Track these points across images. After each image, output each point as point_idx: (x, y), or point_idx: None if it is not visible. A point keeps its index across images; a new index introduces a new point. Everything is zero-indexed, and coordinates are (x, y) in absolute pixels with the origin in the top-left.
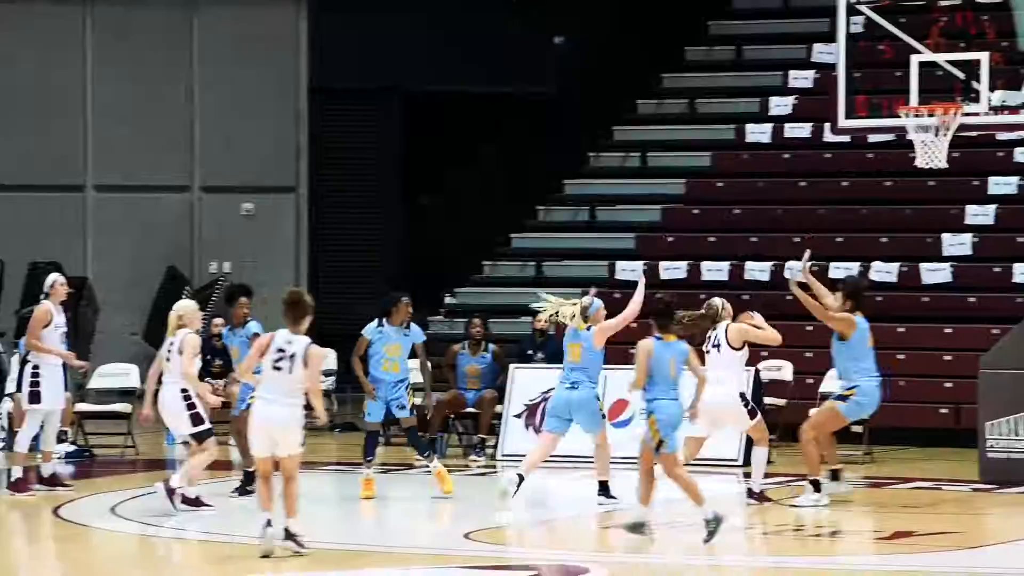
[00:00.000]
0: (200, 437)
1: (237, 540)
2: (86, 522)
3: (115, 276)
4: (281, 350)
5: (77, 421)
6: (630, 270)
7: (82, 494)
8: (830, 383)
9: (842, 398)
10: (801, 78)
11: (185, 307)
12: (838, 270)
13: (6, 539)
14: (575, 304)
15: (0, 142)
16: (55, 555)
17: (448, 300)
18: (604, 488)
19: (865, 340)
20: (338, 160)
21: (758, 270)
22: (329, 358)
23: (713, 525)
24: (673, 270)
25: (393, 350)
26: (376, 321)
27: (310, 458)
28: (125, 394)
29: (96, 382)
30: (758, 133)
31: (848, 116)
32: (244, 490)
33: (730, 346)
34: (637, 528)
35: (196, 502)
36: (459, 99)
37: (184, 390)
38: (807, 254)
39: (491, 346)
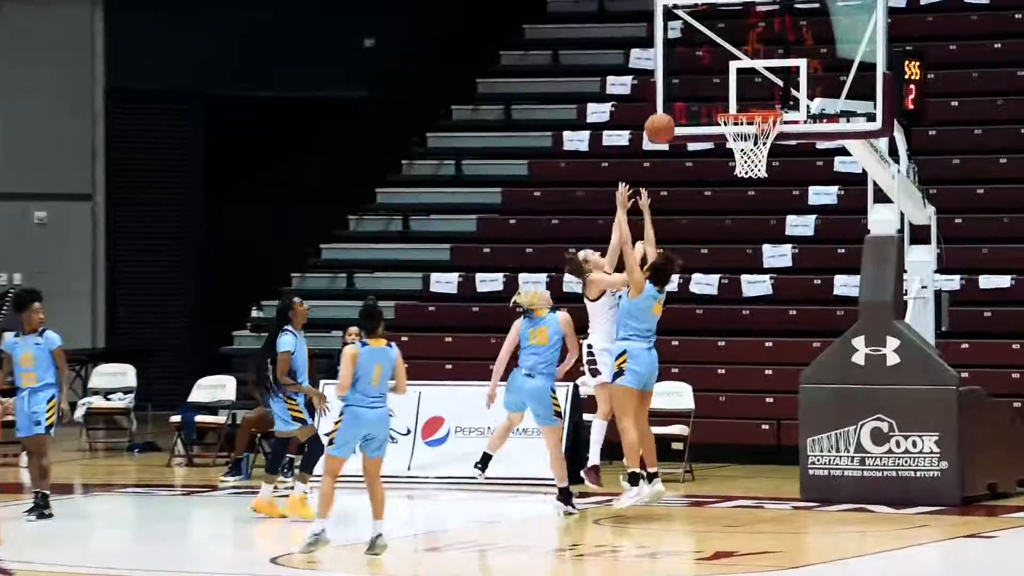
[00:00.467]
0: None
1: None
2: None
3: None
4: None
5: None
6: (445, 282)
7: None
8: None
9: (620, 374)
10: (619, 84)
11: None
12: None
13: None
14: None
15: None
16: None
17: (255, 313)
18: (564, 495)
19: (650, 307)
20: (138, 166)
21: (576, 282)
22: (128, 375)
23: (311, 541)
24: (490, 282)
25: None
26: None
27: (108, 480)
28: None
29: None
30: (576, 141)
31: None
32: (41, 513)
33: (587, 298)
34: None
35: None
36: (266, 103)
37: None
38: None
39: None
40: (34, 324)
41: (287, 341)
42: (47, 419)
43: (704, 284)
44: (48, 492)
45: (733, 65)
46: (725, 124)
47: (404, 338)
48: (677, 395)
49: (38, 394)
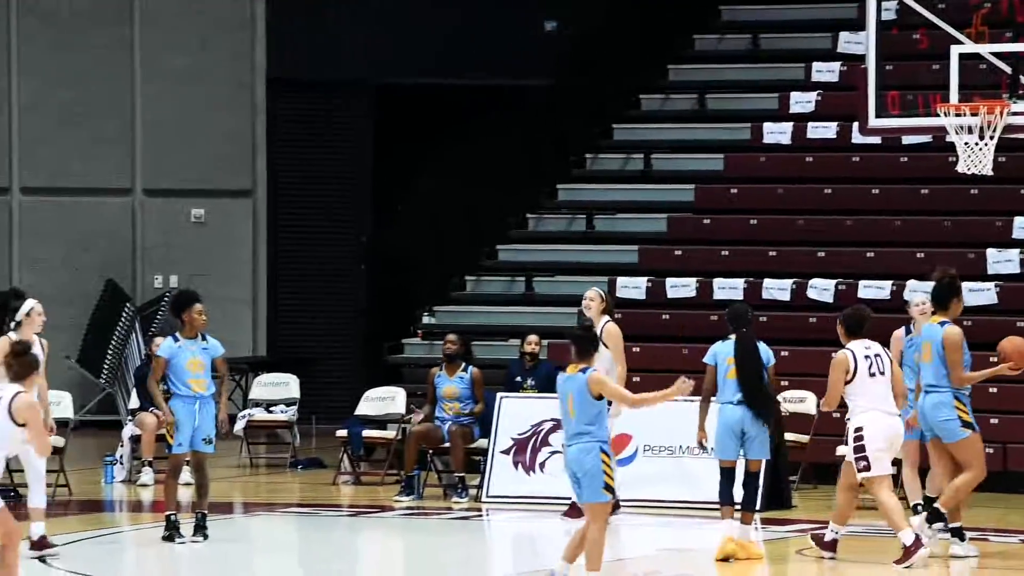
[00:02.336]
0: None
1: None
2: None
3: (45, 291)
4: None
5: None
6: (632, 287)
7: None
8: None
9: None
10: (826, 71)
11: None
12: (868, 289)
13: None
14: None
15: None
16: None
17: (425, 319)
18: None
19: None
20: (301, 161)
21: (777, 288)
22: (291, 386)
23: None
24: (681, 287)
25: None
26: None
27: (269, 498)
28: (57, 426)
29: None
30: (777, 133)
31: (879, 114)
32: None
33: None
34: None
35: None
36: (438, 93)
37: None
38: None
39: (471, 368)
40: (197, 327)
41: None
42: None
43: (921, 291)
44: (207, 512)
45: (955, 50)
46: (945, 115)
47: None
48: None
49: (208, 405)
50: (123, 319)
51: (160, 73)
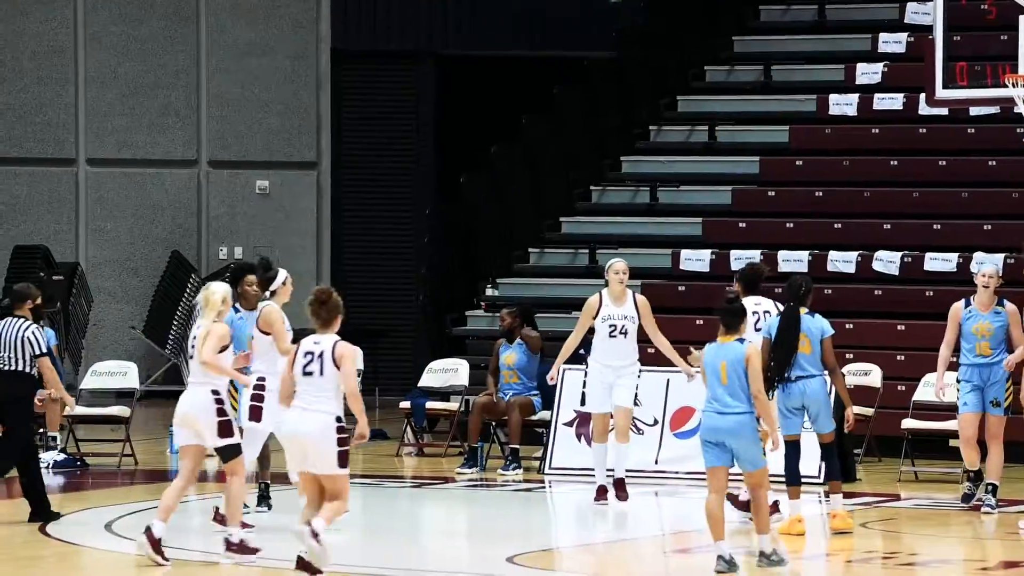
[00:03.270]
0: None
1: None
2: (78, 540)
3: (111, 262)
4: (309, 352)
5: (68, 426)
6: (696, 259)
7: (73, 509)
8: (924, 390)
9: None
10: (892, 42)
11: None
12: (934, 261)
13: None
14: None
15: None
16: None
17: (489, 291)
18: None
19: None
20: (365, 132)
21: (842, 260)
22: (357, 357)
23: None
24: (746, 259)
25: None
26: None
27: None
28: (122, 396)
29: (89, 382)
30: (843, 105)
31: (946, 86)
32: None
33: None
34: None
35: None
36: (501, 64)
37: (216, 392)
38: None
39: (526, 331)
40: (249, 299)
41: None
42: None
43: (989, 263)
44: (269, 482)
45: None
46: (1013, 86)
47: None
48: None
49: None
50: (188, 290)
51: (225, 45)
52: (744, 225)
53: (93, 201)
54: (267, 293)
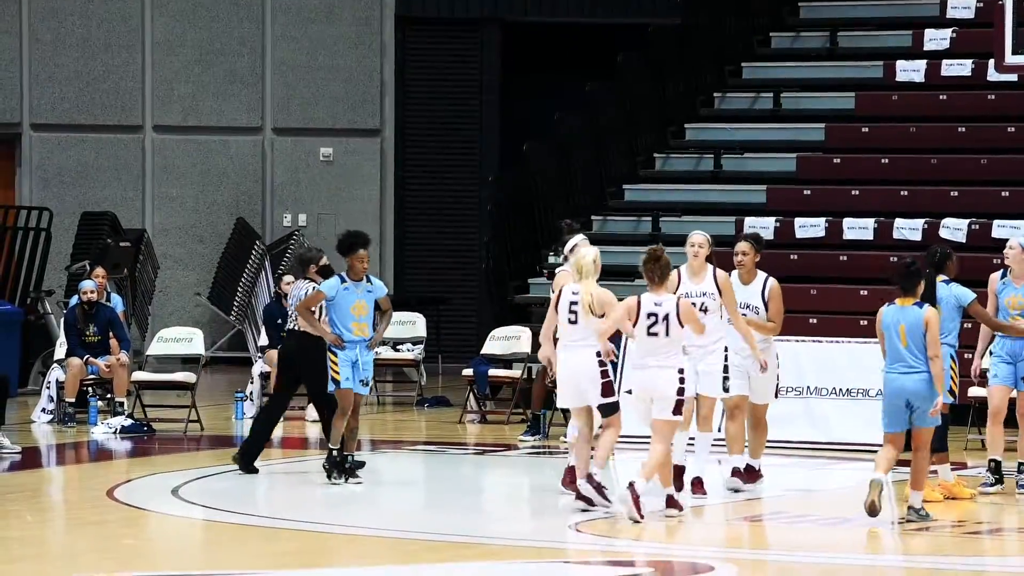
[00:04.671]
0: (610, 410)
1: (317, 528)
2: (144, 505)
3: (177, 228)
4: (652, 313)
5: (135, 391)
6: (760, 227)
7: (140, 474)
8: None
9: None
10: (961, 7)
11: (596, 253)
12: (1002, 228)
13: (54, 523)
14: None
15: (49, 78)
16: (110, 541)
17: (552, 259)
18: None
19: None
20: (429, 99)
21: (909, 228)
22: (417, 324)
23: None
24: (810, 227)
25: None
26: None
27: (396, 436)
28: (188, 362)
29: (156, 348)
30: (910, 71)
31: (1016, 51)
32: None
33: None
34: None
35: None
36: (566, 30)
37: (599, 353)
38: None
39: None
40: (358, 273)
41: None
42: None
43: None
44: (352, 454)
45: None
46: None
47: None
48: None
49: (368, 349)
50: (253, 257)
51: (290, 12)
52: (809, 192)
53: (159, 168)
54: (562, 259)
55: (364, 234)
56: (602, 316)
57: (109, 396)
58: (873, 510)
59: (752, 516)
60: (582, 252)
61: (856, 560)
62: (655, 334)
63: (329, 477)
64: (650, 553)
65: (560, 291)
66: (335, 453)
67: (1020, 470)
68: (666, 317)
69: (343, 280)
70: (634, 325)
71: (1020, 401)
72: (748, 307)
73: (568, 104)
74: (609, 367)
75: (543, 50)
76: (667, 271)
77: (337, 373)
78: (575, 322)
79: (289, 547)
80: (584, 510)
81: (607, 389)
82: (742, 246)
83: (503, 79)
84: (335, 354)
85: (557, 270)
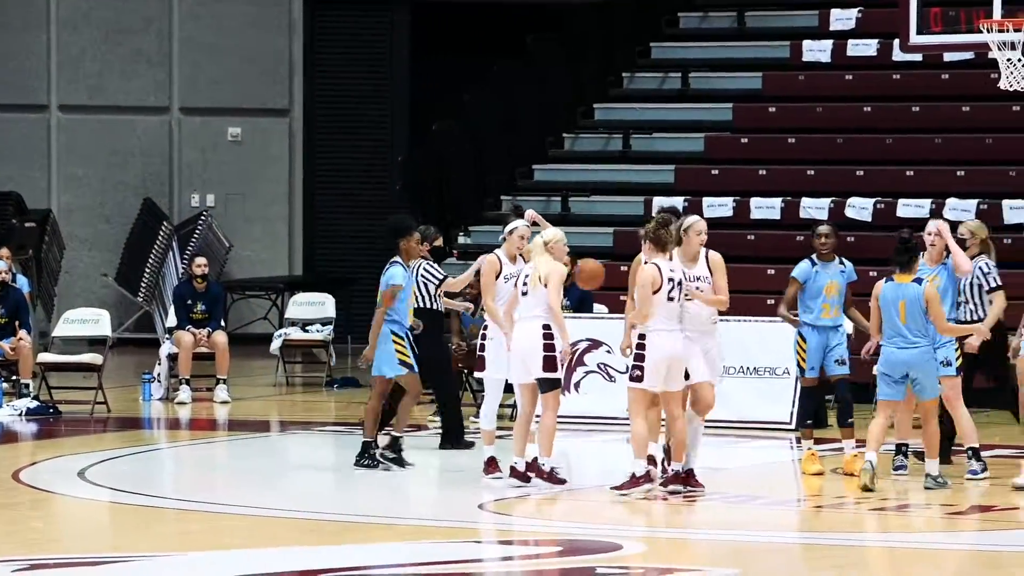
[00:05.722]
0: (549, 386)
1: (225, 509)
2: (50, 487)
3: (83, 209)
4: (670, 279)
5: (40, 373)
6: (668, 207)
7: (46, 456)
8: None
9: None
10: None
11: (554, 235)
12: (907, 207)
13: None
14: None
15: None
16: (17, 524)
17: (462, 239)
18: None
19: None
20: (338, 79)
21: (815, 207)
22: (327, 305)
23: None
24: (718, 207)
25: None
26: None
27: (306, 417)
28: (94, 343)
29: (62, 329)
30: (816, 51)
31: (920, 31)
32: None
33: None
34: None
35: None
36: (476, 10)
37: (547, 327)
38: None
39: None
40: (412, 257)
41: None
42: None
43: (960, 210)
44: (400, 435)
45: None
46: (988, 31)
47: (623, 268)
48: None
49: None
50: (160, 237)
51: None
52: (717, 172)
53: (65, 148)
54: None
55: (408, 218)
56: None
57: (15, 378)
58: (867, 489)
59: (662, 494)
60: (545, 233)
61: (763, 538)
62: (672, 299)
63: (401, 465)
64: (559, 532)
65: (500, 271)
66: (399, 440)
67: (971, 456)
68: (680, 283)
69: (406, 268)
70: (655, 293)
71: (944, 386)
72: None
73: (478, 85)
74: (557, 342)
75: (453, 30)
76: (665, 241)
77: (408, 357)
78: (526, 295)
79: (196, 528)
80: (518, 486)
81: (549, 364)
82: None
83: (413, 59)
84: (401, 339)
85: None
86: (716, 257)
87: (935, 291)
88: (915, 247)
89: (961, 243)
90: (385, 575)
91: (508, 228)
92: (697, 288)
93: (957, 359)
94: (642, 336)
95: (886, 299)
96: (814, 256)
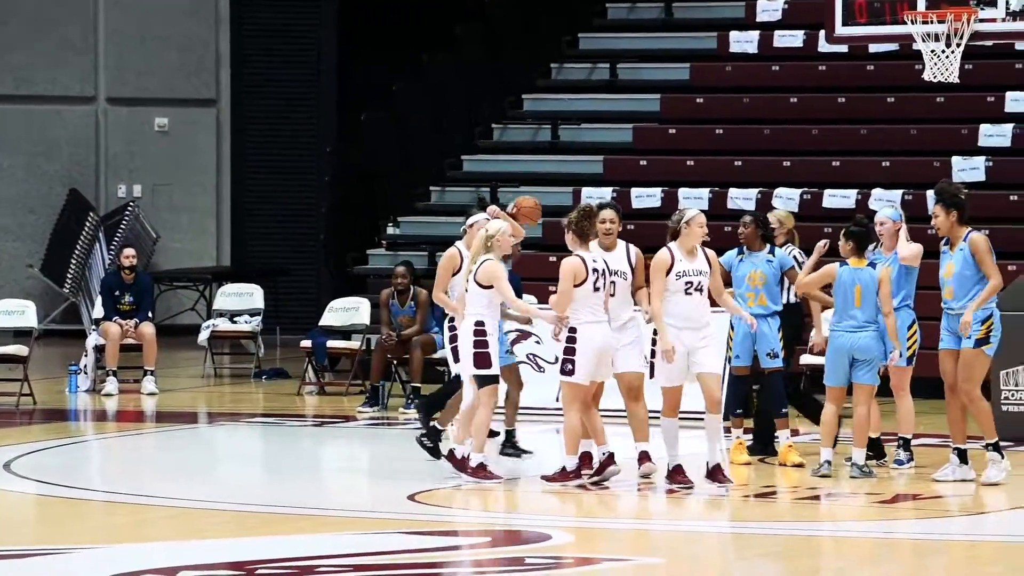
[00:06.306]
0: (480, 382)
1: (152, 501)
2: None
3: (8, 199)
4: (595, 271)
5: None
6: (597, 197)
7: None
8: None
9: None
10: None
11: (499, 227)
12: (833, 198)
13: None
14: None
15: None
16: None
17: (390, 230)
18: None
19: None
20: (266, 70)
21: (743, 197)
22: (255, 296)
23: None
24: (646, 197)
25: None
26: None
27: (234, 408)
28: (20, 335)
29: None
30: (743, 42)
31: (846, 23)
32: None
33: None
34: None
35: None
36: (403, 2)
37: (480, 323)
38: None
39: (414, 289)
40: (511, 256)
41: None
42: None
43: (886, 200)
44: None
45: None
46: (912, 22)
47: (552, 258)
48: None
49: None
50: (87, 228)
51: None
52: (645, 163)
53: None
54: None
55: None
56: (490, 287)
57: None
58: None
59: (592, 485)
60: (490, 226)
61: (689, 527)
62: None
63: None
64: (487, 523)
65: (460, 264)
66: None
67: (900, 446)
68: (604, 273)
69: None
70: (580, 285)
71: (894, 375)
72: (617, 273)
73: (407, 75)
74: (489, 338)
75: (382, 21)
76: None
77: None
78: (468, 291)
79: (123, 520)
80: (454, 475)
81: (480, 360)
82: (610, 214)
83: (341, 49)
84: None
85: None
86: (713, 254)
87: (888, 273)
88: (870, 232)
89: (773, 230)
90: (312, 566)
91: (469, 220)
92: (699, 284)
93: (910, 349)
94: (572, 329)
95: (842, 283)
96: (743, 247)
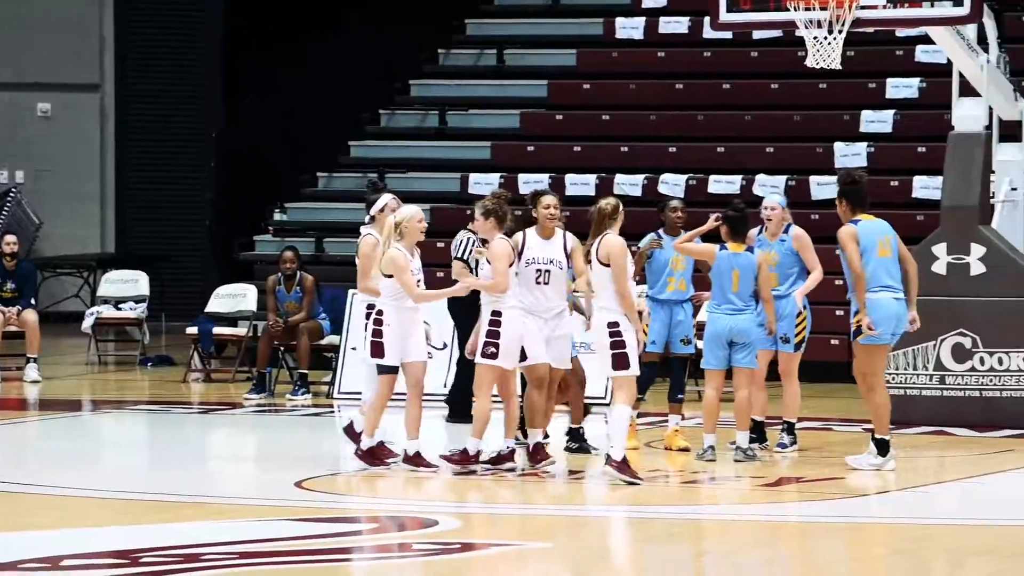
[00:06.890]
0: (379, 371)
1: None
2: None
3: None
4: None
5: None
6: (485, 183)
7: None
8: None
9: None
10: None
11: (406, 214)
12: (718, 183)
13: None
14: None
15: None
16: None
17: (277, 216)
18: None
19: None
20: (150, 54)
21: (629, 183)
22: (140, 283)
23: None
24: (534, 183)
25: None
26: None
27: (119, 396)
28: None
29: None
30: (629, 28)
31: (730, 9)
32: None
33: (600, 262)
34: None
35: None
36: None
37: (379, 312)
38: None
39: (300, 275)
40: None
41: None
42: None
43: (770, 186)
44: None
45: None
46: (795, 9)
47: (439, 244)
48: None
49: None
50: None
51: None
52: (532, 149)
53: None
54: (367, 218)
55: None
56: (390, 276)
57: None
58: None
59: (485, 471)
60: (399, 213)
61: (576, 512)
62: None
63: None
64: (374, 509)
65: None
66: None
67: (784, 430)
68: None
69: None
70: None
71: (782, 360)
72: (553, 262)
73: (293, 60)
74: (385, 328)
75: (268, 5)
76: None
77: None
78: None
79: (6, 510)
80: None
81: (374, 349)
82: (553, 200)
83: (227, 34)
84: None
85: (362, 229)
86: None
87: (767, 258)
88: (747, 216)
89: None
90: (197, 554)
91: (379, 204)
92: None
93: (798, 335)
94: (496, 313)
95: (720, 267)
96: (660, 230)
